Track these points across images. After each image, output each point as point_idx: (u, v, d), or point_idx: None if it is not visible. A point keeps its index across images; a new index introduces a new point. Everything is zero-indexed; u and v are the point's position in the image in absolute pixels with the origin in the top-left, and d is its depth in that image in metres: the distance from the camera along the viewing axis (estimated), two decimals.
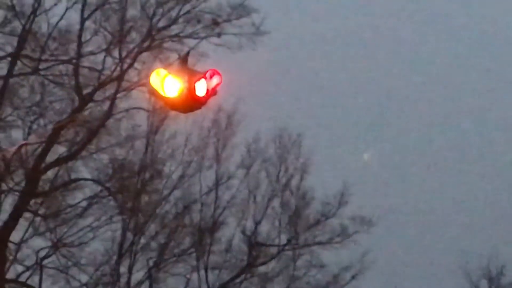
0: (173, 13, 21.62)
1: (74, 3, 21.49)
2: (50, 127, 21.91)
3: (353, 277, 23.54)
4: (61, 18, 21.42)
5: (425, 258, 37.75)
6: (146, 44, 21.34)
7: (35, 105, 22.20)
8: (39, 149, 21.69)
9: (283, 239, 23.66)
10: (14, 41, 21.47)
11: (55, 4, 21.52)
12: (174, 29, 21.71)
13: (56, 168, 22.51)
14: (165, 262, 22.96)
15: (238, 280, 23.18)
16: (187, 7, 21.44)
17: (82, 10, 21.18)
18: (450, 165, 51.92)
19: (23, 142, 21.34)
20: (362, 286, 25.49)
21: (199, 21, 21.53)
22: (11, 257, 22.17)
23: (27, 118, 22.19)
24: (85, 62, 21.60)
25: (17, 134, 22.25)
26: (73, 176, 23.04)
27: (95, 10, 21.54)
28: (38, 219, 22.42)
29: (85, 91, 21.24)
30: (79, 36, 21.29)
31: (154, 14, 21.59)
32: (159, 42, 21.52)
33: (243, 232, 23.60)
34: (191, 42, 21.17)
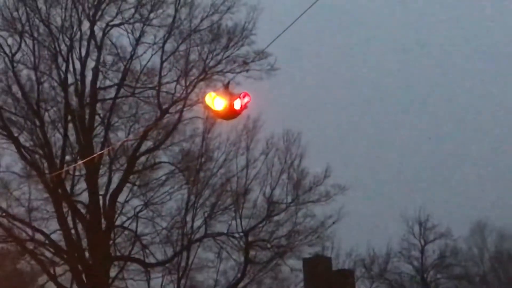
0: (219, 57, 27.41)
1: (157, 51, 27.52)
2: (142, 129, 27.71)
3: (333, 223, 29.58)
4: (148, 61, 27.41)
5: (378, 210, 46.24)
6: (201, 76, 27.18)
7: (132, 116, 28.04)
8: (135, 144, 27.72)
9: (289, 199, 29.38)
10: (119, 75, 27.61)
11: (144, 52, 27.42)
12: (220, 67, 27.42)
13: (146, 155, 28.30)
14: (214, 214, 28.86)
15: (260, 225, 29.09)
16: (227, 53, 27.33)
17: (162, 56, 27.36)
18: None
19: (125, 139, 27.56)
20: (338, 228, 30.87)
21: (234, 62, 27.26)
22: (118, 211, 28.09)
23: (127, 124, 28.12)
24: (163, 88, 27.41)
25: (121, 134, 28.14)
26: (157, 160, 28.81)
27: (169, 56, 27.56)
28: (135, 187, 28.51)
29: (164, 107, 27.09)
30: (160, 72, 27.30)
31: (206, 58, 27.47)
32: (210, 75, 27.19)
33: (264, 195, 29.33)
34: (230, 75, 25.99)
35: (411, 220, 42.38)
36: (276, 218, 29.65)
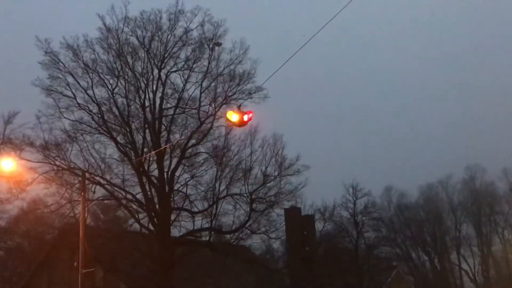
0: (234, 90, 33.38)
1: (197, 87, 33.60)
2: (189, 133, 33.69)
3: (302, 187, 34.74)
4: (192, 92, 33.56)
5: (328, 178, 58.89)
6: (224, 102, 33.20)
7: (183, 125, 33.98)
8: (185, 141, 33.53)
9: (276, 173, 34.25)
10: (175, 101, 33.68)
11: (190, 87, 33.49)
12: (235, 96, 33.31)
13: (192, 148, 33.95)
14: (232, 182, 33.92)
15: (259, 189, 33.97)
16: (239, 88, 33.31)
17: (200, 89, 33.51)
18: None
19: (179, 139, 33.70)
20: (305, 190, 36.08)
21: (243, 93, 33.21)
22: (175, 181, 33.08)
23: (180, 130, 34.04)
24: (202, 108, 33.37)
25: (177, 136, 33.91)
26: (198, 151, 34.47)
27: (205, 89, 33.55)
28: (185, 167, 33.93)
29: (201, 119, 33.17)
30: (199, 99, 33.50)
31: (227, 91, 33.29)
32: (229, 101, 33.05)
33: (261, 171, 34.31)
34: (241, 101, 31.69)
35: (347, 185, 51.99)
36: (268, 184, 34.79)
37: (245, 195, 34.65)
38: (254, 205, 34.70)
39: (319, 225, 50.12)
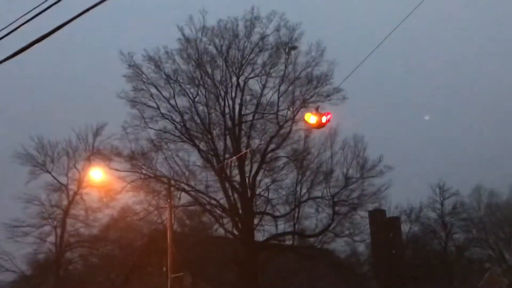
0: (312, 93, 33.42)
1: (275, 91, 33.71)
2: (268, 138, 33.89)
3: (385, 189, 34.58)
4: (271, 97, 33.73)
5: (414, 179, 55.88)
6: (302, 105, 33.11)
7: (262, 130, 34.20)
8: (265, 146, 33.76)
9: (358, 175, 34.32)
10: (254, 107, 33.86)
11: (268, 92, 33.66)
12: (312, 99, 33.33)
13: (272, 152, 34.00)
14: (313, 185, 33.94)
15: (341, 191, 34.04)
16: (317, 90, 33.35)
17: (278, 94, 33.73)
18: None
19: (259, 144, 34.11)
20: (389, 191, 36.12)
21: (321, 95, 33.22)
22: (257, 185, 33.45)
23: (260, 135, 34.22)
24: (280, 113, 33.62)
25: (257, 141, 34.26)
26: (278, 155, 34.68)
27: (283, 94, 33.70)
28: (266, 171, 34.23)
29: (280, 124, 33.37)
30: (277, 103, 33.71)
31: (305, 94, 33.50)
32: (307, 104, 32.89)
33: (343, 173, 34.17)
34: (319, 103, 30.86)
35: (434, 185, 50.11)
36: (350, 187, 34.59)
37: (327, 198, 34.62)
38: (336, 208, 34.55)
39: (405, 227, 49.20)
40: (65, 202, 44.67)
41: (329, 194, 34.31)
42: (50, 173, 44.04)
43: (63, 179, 44.61)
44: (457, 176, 68.16)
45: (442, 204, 49.78)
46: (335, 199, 34.30)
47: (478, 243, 58.42)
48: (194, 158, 34.24)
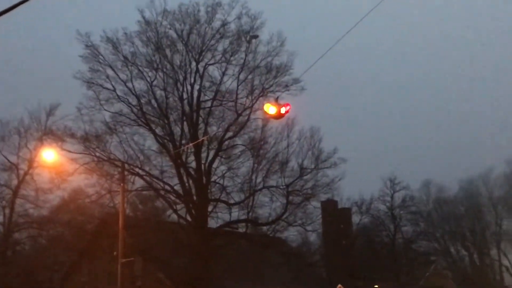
0: (271, 82, 33.16)
1: (234, 79, 33.33)
2: (226, 125, 33.64)
3: (339, 180, 34.88)
4: (230, 85, 33.34)
5: (365, 171, 55.49)
6: (261, 94, 32.80)
7: (220, 117, 33.89)
8: (222, 134, 33.46)
9: (313, 166, 34.28)
10: (213, 94, 33.54)
11: (227, 80, 33.33)
12: (272, 88, 33.09)
13: (229, 140, 33.84)
14: (268, 175, 33.87)
15: (296, 181, 33.97)
16: (276, 80, 33.08)
17: (237, 82, 33.36)
18: None
19: (216, 131, 33.65)
20: (342, 183, 36.48)
21: (280, 85, 32.95)
22: (212, 173, 33.26)
23: (218, 122, 33.99)
24: (239, 101, 33.06)
25: (214, 128, 33.88)
26: (235, 143, 34.42)
27: (242, 82, 33.36)
28: (222, 159, 34.09)
29: (239, 112, 33.06)
30: (237, 91, 33.35)
31: (264, 83, 33.07)
32: (266, 93, 32.55)
33: (298, 163, 34.19)
34: (278, 93, 31.19)
35: (385, 178, 51.26)
36: (305, 177, 34.59)
37: (281, 187, 34.62)
38: (290, 197, 34.57)
39: (356, 218, 49.72)
40: (15, 182, 44.25)
41: (283, 184, 34.46)
42: (0, 152, 43.46)
43: (13, 159, 44.08)
44: (408, 171, 70.18)
45: (392, 197, 51.05)
46: (290, 189, 34.45)
47: (425, 236, 60.04)
48: (150, 142, 34.00)
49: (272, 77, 33.69)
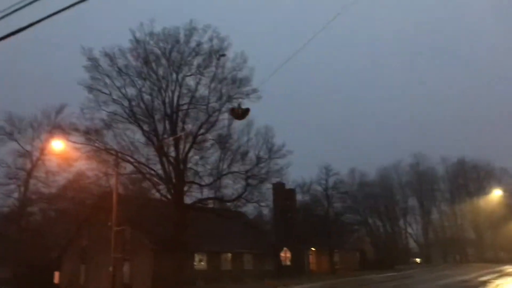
0: (236, 91, 32.25)
1: (207, 88, 32.37)
2: (199, 124, 32.65)
3: (287, 168, 34.56)
4: (201, 92, 32.35)
5: (306, 160, 59.48)
6: (227, 100, 32.27)
7: (195, 117, 32.70)
8: (197, 131, 32.40)
9: (267, 156, 33.67)
10: (189, 99, 32.19)
11: (201, 88, 32.37)
12: (236, 96, 32.16)
13: (202, 136, 32.81)
14: (233, 163, 33.06)
15: (253, 168, 33.29)
16: (239, 89, 32.22)
17: (209, 90, 32.41)
18: None
19: (192, 128, 32.57)
20: (289, 170, 36.14)
21: (243, 94, 32.14)
22: (188, 161, 32.45)
23: (193, 121, 32.78)
24: (210, 104, 32.39)
25: (191, 126, 32.71)
26: (206, 138, 33.32)
27: (212, 90, 32.31)
28: (196, 150, 32.93)
29: (210, 113, 32.26)
30: (208, 97, 32.46)
31: (230, 91, 32.18)
32: (232, 99, 32.01)
33: (255, 154, 33.70)
34: (241, 99, 30.43)
35: (321, 166, 49.87)
36: (261, 165, 34.34)
37: (242, 172, 34.20)
38: (249, 180, 34.25)
39: (299, 197, 49.66)
40: (29, 166, 43.24)
41: (244, 170, 34.12)
42: (17, 141, 42.71)
43: (27, 147, 43.30)
44: (338, 160, 71.11)
45: (326, 181, 50.41)
46: (248, 174, 34.07)
47: (351, 211, 60.81)
48: (138, 136, 32.92)
49: (236, 87, 33.09)
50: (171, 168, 32.99)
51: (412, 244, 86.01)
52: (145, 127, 32.97)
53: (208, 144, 34.07)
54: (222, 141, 33.79)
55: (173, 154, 33.21)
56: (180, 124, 33.23)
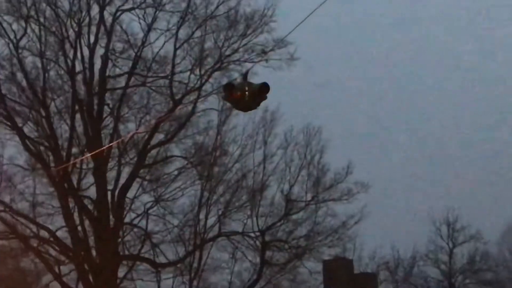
0: (236, 45, 19.82)
1: (170, 38, 19.74)
2: (153, 121, 20.15)
3: (355, 223, 21.14)
4: (161, 48, 19.69)
5: (403, 209, 32.61)
6: (217, 66, 19.77)
7: (144, 107, 20.27)
8: (146, 136, 20.04)
9: (309, 197, 21.32)
10: (129, 63, 19.75)
11: (157, 39, 19.59)
12: (237, 56, 19.94)
13: (158, 148, 20.48)
14: (229, 212, 20.98)
15: (278, 224, 20.99)
16: (245, 41, 19.76)
17: (175, 43, 19.71)
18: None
19: (136, 131, 19.99)
20: (361, 229, 22.93)
21: (253, 51, 19.79)
22: (127, 208, 19.95)
23: (138, 115, 20.29)
24: (176, 77, 19.83)
25: (131, 126, 20.35)
26: (169, 154, 20.88)
27: (183, 43, 19.86)
28: (145, 182, 20.66)
29: (176, 97, 19.68)
30: (173, 60, 19.71)
31: (222, 46, 19.79)
32: (226, 64, 19.84)
33: (282, 192, 21.15)
34: (248, 64, 19.21)
35: (438, 221, 28.40)
36: (294, 217, 21.28)
37: (252, 235, 21.32)
38: (268, 253, 21.42)
39: None
40: None
41: (256, 229, 21.47)
42: None
43: None
44: (481, 208, 50.32)
45: (450, 254, 27.53)
46: (266, 238, 21.69)
47: None
48: (13, 151, 20.89)
49: (238, 35, 20.12)
50: (88, 224, 20.23)
51: None
52: (28, 130, 20.19)
53: (172, 167, 21.41)
54: (204, 160, 21.43)
55: (92, 192, 20.08)
56: (109, 120, 20.41)
